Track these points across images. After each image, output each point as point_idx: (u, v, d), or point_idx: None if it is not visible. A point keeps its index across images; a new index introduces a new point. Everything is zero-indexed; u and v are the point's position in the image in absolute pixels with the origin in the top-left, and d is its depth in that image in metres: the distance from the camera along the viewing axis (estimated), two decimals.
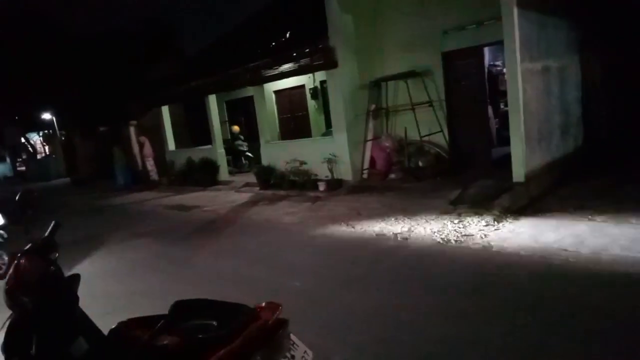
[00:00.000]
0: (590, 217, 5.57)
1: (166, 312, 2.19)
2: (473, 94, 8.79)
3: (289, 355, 1.85)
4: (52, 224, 2.59)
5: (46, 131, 28.58)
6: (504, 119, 9.87)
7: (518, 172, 6.93)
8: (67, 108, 22.32)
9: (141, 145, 16.12)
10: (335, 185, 9.55)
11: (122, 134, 17.89)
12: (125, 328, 2.20)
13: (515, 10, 6.61)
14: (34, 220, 2.75)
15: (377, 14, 9.81)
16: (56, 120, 23.82)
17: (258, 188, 11.04)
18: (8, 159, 29.75)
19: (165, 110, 15.20)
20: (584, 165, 8.00)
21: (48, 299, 2.29)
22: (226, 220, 8.45)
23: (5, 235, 6.44)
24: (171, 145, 15.45)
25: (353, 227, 6.68)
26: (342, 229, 6.70)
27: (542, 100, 7.49)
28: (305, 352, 1.93)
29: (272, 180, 10.75)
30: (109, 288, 5.38)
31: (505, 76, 7.93)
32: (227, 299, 2.17)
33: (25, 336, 2.30)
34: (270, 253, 6.06)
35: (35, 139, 31.16)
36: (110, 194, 14.97)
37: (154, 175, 15.61)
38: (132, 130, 17.50)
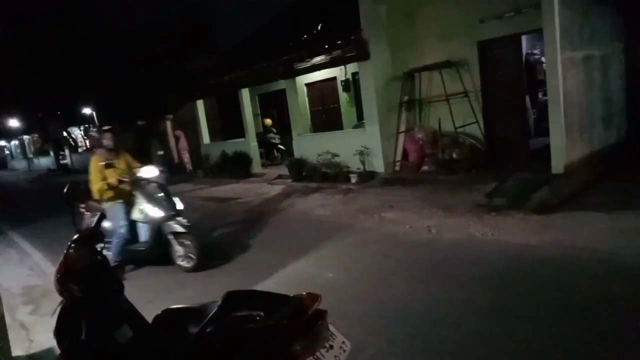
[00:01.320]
0: (632, 212, 5.37)
1: (204, 302, 2.27)
2: (510, 84, 8.55)
3: (327, 345, 1.88)
4: (97, 215, 2.71)
5: (87, 125, 29.62)
6: (542, 109, 9.57)
7: (557, 165, 6.74)
8: (106, 103, 23.04)
9: (177, 139, 16.57)
10: (367, 177, 9.52)
11: (159, 128, 18.33)
12: (169, 317, 2.29)
13: None
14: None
15: (411, 2, 9.65)
16: (96, 115, 24.65)
17: (290, 180, 11.13)
18: (52, 153, 31.10)
19: (200, 104, 15.47)
20: (626, 158, 7.69)
21: (95, 286, 2.41)
22: (260, 212, 8.56)
23: (186, 222, 5.53)
24: (206, 138, 15.73)
25: (385, 220, 6.66)
26: (375, 222, 6.69)
27: (583, 90, 7.23)
28: (343, 342, 1.95)
29: (304, 173, 10.81)
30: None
31: (545, 65, 7.70)
32: (262, 288, 2.21)
33: (75, 322, 2.43)
34: (303, 244, 6.10)
35: (77, 133, 32.36)
36: None
37: (189, 167, 15.98)
38: (168, 124, 17.93)
